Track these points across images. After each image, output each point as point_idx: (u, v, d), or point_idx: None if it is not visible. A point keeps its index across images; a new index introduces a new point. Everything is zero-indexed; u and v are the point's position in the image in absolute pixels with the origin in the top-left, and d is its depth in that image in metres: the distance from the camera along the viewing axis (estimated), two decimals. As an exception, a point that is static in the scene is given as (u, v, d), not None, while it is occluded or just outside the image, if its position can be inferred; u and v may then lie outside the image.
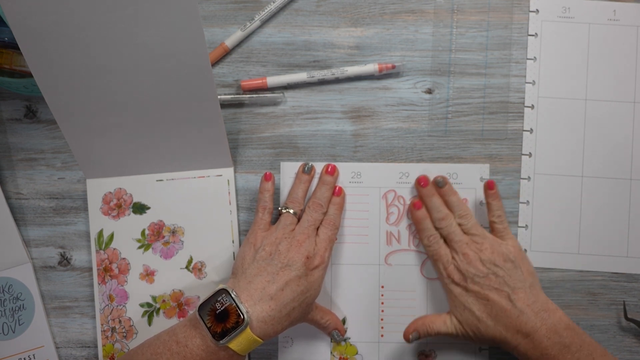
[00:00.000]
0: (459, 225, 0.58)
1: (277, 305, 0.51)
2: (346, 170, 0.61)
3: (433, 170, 0.61)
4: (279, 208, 0.58)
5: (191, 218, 0.61)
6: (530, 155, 0.61)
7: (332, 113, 0.62)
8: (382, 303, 0.61)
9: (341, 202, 0.60)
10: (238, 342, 0.49)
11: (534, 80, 0.62)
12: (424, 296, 0.61)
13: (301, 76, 0.61)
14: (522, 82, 0.62)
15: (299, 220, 0.58)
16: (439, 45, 0.62)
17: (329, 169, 0.60)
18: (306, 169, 0.60)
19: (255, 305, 0.51)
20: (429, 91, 0.62)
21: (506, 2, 0.62)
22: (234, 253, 0.61)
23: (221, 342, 0.49)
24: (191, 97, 0.55)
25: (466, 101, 0.62)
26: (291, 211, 0.57)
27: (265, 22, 0.62)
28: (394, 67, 0.61)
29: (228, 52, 0.62)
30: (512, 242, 0.57)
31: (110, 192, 0.61)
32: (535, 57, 0.62)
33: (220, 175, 0.61)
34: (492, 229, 0.59)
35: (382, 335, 0.61)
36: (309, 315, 0.56)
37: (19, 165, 0.62)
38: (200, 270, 0.60)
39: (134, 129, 0.57)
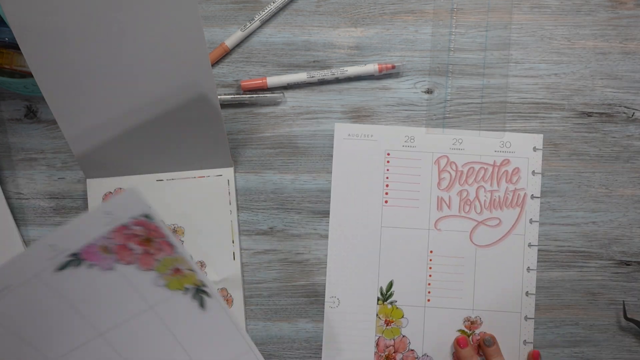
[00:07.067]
0: None
1: None
2: (399, 134, 0.61)
3: (485, 139, 0.61)
4: None
5: (191, 218, 0.61)
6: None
7: (332, 113, 0.62)
8: (430, 268, 0.60)
9: None
10: None
11: None
12: (473, 263, 0.60)
13: (301, 76, 0.61)
14: (522, 82, 0.62)
15: None
16: (439, 45, 0.62)
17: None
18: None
19: None
20: (429, 91, 0.62)
21: (506, 2, 0.63)
22: (234, 253, 0.61)
23: None
24: (191, 97, 0.55)
25: (465, 101, 0.62)
26: None
27: (265, 22, 0.62)
28: (393, 67, 0.61)
29: (228, 52, 0.62)
30: None
31: (110, 192, 0.61)
32: None
33: (220, 175, 0.61)
34: None
35: (428, 300, 0.60)
36: None
37: (19, 165, 0.62)
38: (200, 270, 0.60)
39: (134, 129, 0.57)
